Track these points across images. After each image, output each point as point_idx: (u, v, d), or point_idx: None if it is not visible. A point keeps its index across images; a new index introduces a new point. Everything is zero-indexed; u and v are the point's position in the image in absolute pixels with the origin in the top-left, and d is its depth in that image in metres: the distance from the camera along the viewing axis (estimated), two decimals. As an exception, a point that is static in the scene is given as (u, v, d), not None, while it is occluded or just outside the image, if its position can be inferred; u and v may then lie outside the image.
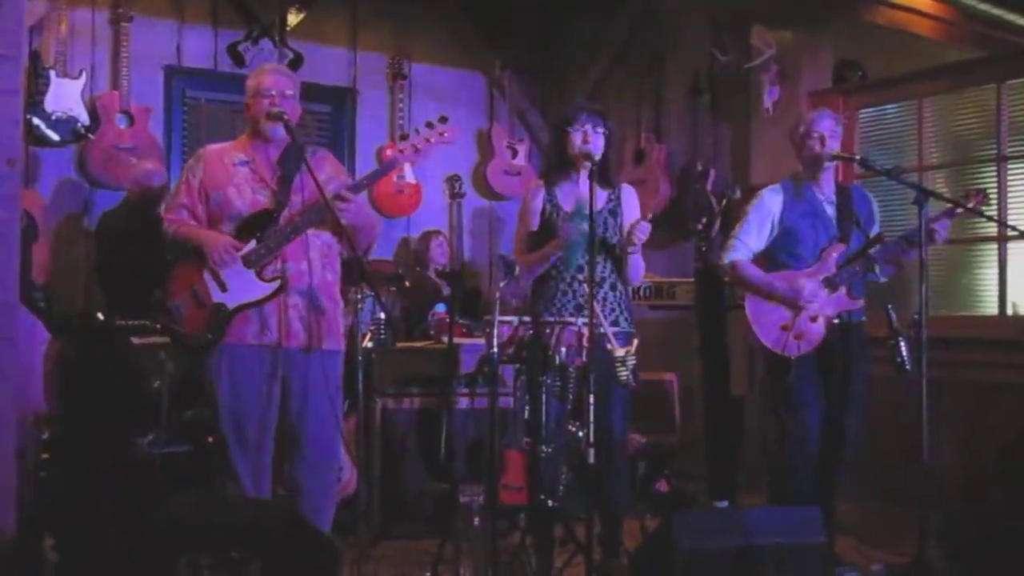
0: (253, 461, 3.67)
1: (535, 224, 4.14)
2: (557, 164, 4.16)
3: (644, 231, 3.94)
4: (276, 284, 3.61)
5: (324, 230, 3.71)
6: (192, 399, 4.69)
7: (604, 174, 4.10)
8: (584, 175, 3.98)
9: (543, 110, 7.36)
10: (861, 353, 4.20)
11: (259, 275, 3.62)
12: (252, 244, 3.62)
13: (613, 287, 4.11)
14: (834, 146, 4.17)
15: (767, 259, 4.23)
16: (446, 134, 3.80)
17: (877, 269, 4.18)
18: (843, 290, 4.11)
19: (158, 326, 4.28)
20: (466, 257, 6.95)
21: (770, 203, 4.21)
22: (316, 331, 3.68)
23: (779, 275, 4.15)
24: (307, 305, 3.66)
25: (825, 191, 4.22)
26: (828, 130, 4.16)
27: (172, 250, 3.72)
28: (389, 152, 6.80)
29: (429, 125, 3.83)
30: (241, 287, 3.61)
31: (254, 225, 3.64)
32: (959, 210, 4.15)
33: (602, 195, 4.10)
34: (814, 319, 4.09)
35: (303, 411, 3.68)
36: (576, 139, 4.04)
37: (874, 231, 4.29)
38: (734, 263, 4.21)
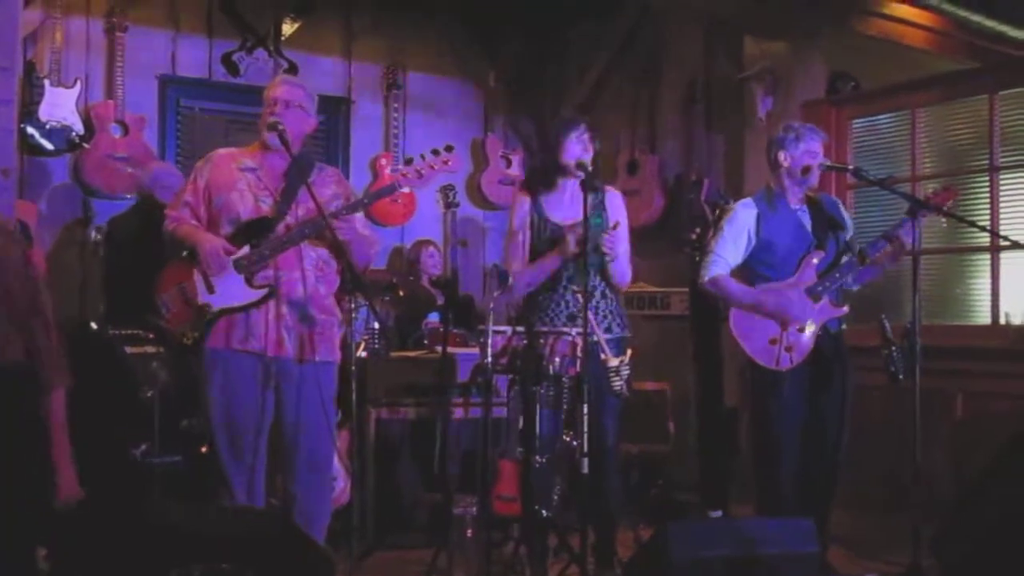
0: (246, 470, 3.66)
1: (526, 236, 4.14)
2: (544, 173, 4.17)
3: (614, 241, 3.95)
4: (264, 291, 3.61)
5: (321, 246, 3.71)
6: (185, 409, 4.68)
7: (589, 182, 4.12)
8: (573, 183, 3.99)
9: (537, 120, 7.37)
10: (848, 362, 4.22)
11: (249, 281, 3.62)
12: (246, 249, 3.62)
13: (604, 294, 4.12)
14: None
15: (745, 272, 4.23)
16: (450, 163, 3.83)
17: (850, 278, 4.20)
18: (826, 299, 4.12)
19: (151, 335, 4.28)
20: (459, 267, 6.95)
21: (744, 216, 4.22)
22: (306, 342, 3.67)
23: (765, 289, 4.15)
24: (297, 316, 3.65)
25: (796, 202, 4.23)
26: (820, 150, 4.18)
27: (170, 248, 3.73)
28: (383, 162, 6.82)
29: (435, 152, 3.86)
30: (229, 291, 3.61)
31: (251, 231, 3.64)
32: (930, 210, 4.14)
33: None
34: (802, 330, 4.09)
35: (296, 421, 3.67)
36: (576, 148, 4.06)
37: (847, 235, 4.31)
38: (715, 278, 4.21)
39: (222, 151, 3.86)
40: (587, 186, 3.74)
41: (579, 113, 4.45)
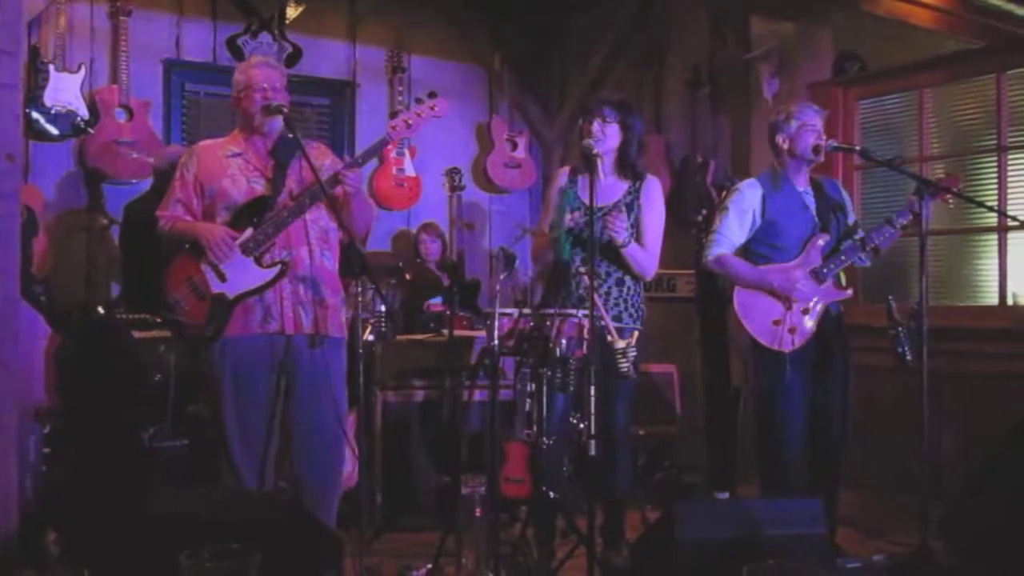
0: (257, 455, 3.66)
1: (552, 211, 4.14)
2: (580, 155, 4.17)
3: (612, 224, 3.92)
4: (276, 270, 3.61)
5: (322, 213, 3.71)
6: (194, 393, 4.69)
7: (623, 166, 4.10)
8: (599, 166, 3.95)
9: (543, 103, 7.36)
10: (847, 343, 4.22)
11: (258, 262, 3.62)
12: (249, 231, 3.62)
13: (619, 282, 4.10)
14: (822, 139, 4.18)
15: (748, 253, 4.22)
16: (436, 108, 3.79)
17: (863, 254, 4.18)
18: (830, 281, 4.12)
19: (159, 319, 4.29)
20: (465, 250, 6.95)
21: (749, 196, 4.21)
22: (321, 317, 3.68)
23: (771, 268, 4.14)
24: (309, 291, 3.66)
25: (801, 184, 4.22)
26: (819, 122, 4.17)
27: (168, 247, 3.72)
28: (389, 146, 6.80)
29: (419, 101, 3.85)
30: (240, 275, 3.61)
31: (250, 212, 3.64)
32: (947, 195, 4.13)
33: (620, 187, 4.10)
34: (806, 311, 4.09)
35: (308, 404, 3.68)
36: (583, 130, 4.05)
37: (850, 220, 4.31)
38: (719, 257, 4.20)
39: (204, 143, 3.86)
40: (592, 171, 3.73)
41: (610, 92, 4.40)
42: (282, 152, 3.71)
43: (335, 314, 3.76)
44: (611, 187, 4.10)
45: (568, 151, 7.01)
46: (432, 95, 3.85)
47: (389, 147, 6.77)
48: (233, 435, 3.65)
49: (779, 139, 4.20)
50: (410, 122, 3.77)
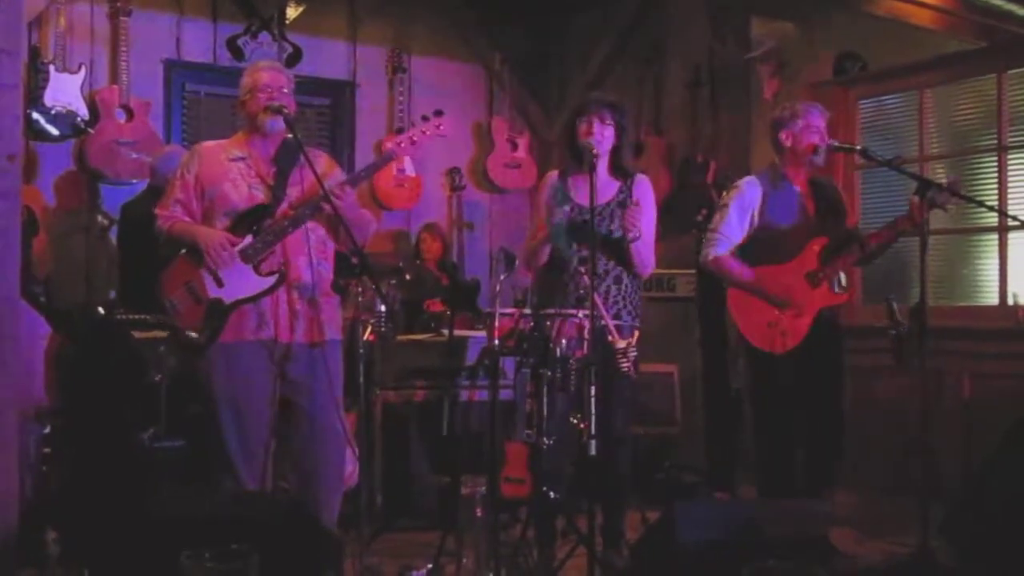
0: (256, 460, 3.65)
1: (544, 213, 4.14)
2: (570, 155, 4.16)
3: (631, 216, 3.93)
4: (274, 278, 3.60)
5: (320, 224, 3.70)
6: (192, 394, 4.69)
7: (616, 165, 4.10)
8: (598, 166, 3.95)
9: (542, 102, 7.36)
10: (843, 343, 4.22)
11: (256, 269, 3.61)
12: (248, 239, 3.61)
13: (617, 280, 4.09)
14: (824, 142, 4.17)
15: (747, 253, 4.21)
16: (442, 127, 3.80)
17: (862, 257, 4.17)
18: (825, 285, 4.11)
19: (158, 319, 4.29)
20: (466, 250, 6.95)
21: (750, 194, 4.20)
22: (316, 324, 3.67)
23: (767, 273, 4.13)
24: (306, 299, 3.65)
25: (800, 184, 4.21)
26: (823, 124, 4.16)
27: (166, 248, 3.71)
28: (388, 145, 6.79)
29: (425, 118, 3.84)
30: (238, 282, 3.60)
31: (250, 219, 3.63)
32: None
33: (613, 186, 4.10)
34: (799, 315, 4.08)
35: (308, 404, 3.68)
36: (580, 130, 4.04)
37: (849, 222, 4.30)
38: (718, 258, 4.19)
39: (206, 144, 3.83)
40: (591, 168, 3.73)
41: (601, 93, 4.41)
42: (284, 159, 3.70)
43: (331, 319, 3.76)
44: (605, 186, 4.09)
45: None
46: (438, 113, 3.84)
47: (388, 146, 6.76)
48: (230, 438, 3.63)
49: (782, 135, 4.18)
50: (415, 139, 3.79)
